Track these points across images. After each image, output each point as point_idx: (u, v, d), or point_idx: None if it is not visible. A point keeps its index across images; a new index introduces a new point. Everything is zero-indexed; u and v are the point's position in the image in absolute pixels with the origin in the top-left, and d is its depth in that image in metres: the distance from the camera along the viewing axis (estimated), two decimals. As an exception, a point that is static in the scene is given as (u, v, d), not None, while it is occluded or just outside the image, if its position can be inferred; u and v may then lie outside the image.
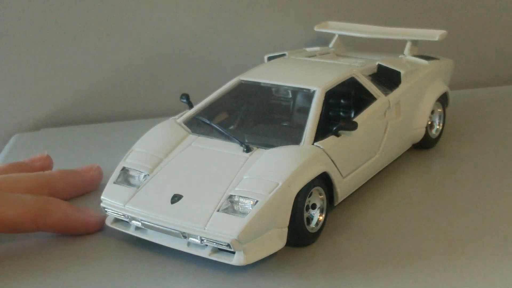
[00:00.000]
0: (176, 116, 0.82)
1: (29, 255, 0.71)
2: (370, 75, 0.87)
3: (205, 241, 0.65)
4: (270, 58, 0.97)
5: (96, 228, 0.75)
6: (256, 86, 0.83)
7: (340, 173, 0.74)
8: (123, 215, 0.70)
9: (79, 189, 0.84)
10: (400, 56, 0.98)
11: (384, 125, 0.84)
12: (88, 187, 0.85)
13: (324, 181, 0.72)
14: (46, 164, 0.87)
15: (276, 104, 0.84)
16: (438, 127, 0.96)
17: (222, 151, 0.73)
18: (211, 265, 0.66)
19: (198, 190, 0.68)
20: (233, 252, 0.65)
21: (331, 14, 1.17)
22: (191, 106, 0.83)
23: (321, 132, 0.74)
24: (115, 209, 0.71)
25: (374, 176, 0.84)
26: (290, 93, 0.83)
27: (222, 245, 0.64)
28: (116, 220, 0.73)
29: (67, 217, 0.73)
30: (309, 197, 0.70)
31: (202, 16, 1.16)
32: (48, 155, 0.88)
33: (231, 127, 0.81)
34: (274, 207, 0.65)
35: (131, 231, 0.71)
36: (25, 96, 1.15)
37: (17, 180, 0.77)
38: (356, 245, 0.71)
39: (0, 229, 0.70)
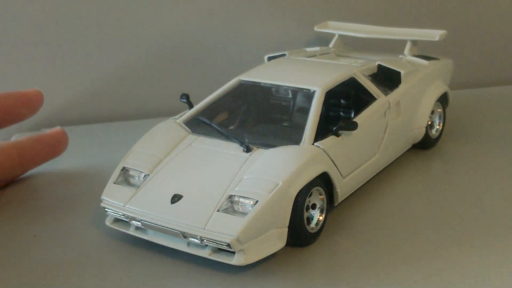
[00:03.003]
0: (176, 116, 0.82)
1: (28, 255, 0.71)
2: (370, 75, 0.87)
3: (205, 241, 0.65)
4: (270, 58, 0.97)
5: (65, 137, 0.83)
6: (256, 86, 0.83)
7: (340, 173, 0.74)
8: (123, 215, 0.70)
9: (48, 154, 0.87)
10: (400, 56, 0.98)
11: (384, 125, 0.84)
12: (55, 151, 0.88)
13: (324, 181, 0.72)
14: None
15: (276, 104, 0.84)
16: (438, 127, 0.96)
17: (222, 151, 0.73)
18: (211, 265, 0.66)
19: (198, 190, 0.68)
20: (233, 252, 0.65)
21: (331, 14, 1.17)
22: (191, 106, 0.83)
23: (321, 132, 0.74)
24: (115, 209, 0.71)
25: (374, 176, 0.84)
26: (290, 93, 0.83)
27: (222, 245, 0.64)
28: (116, 220, 0.73)
29: (38, 141, 0.79)
30: (309, 197, 0.70)
31: (202, 16, 1.16)
32: None
33: (231, 127, 0.81)
34: (274, 207, 0.65)
35: (131, 231, 0.71)
36: (25, 96, 1.15)
37: None
38: (356, 245, 0.71)
39: None
